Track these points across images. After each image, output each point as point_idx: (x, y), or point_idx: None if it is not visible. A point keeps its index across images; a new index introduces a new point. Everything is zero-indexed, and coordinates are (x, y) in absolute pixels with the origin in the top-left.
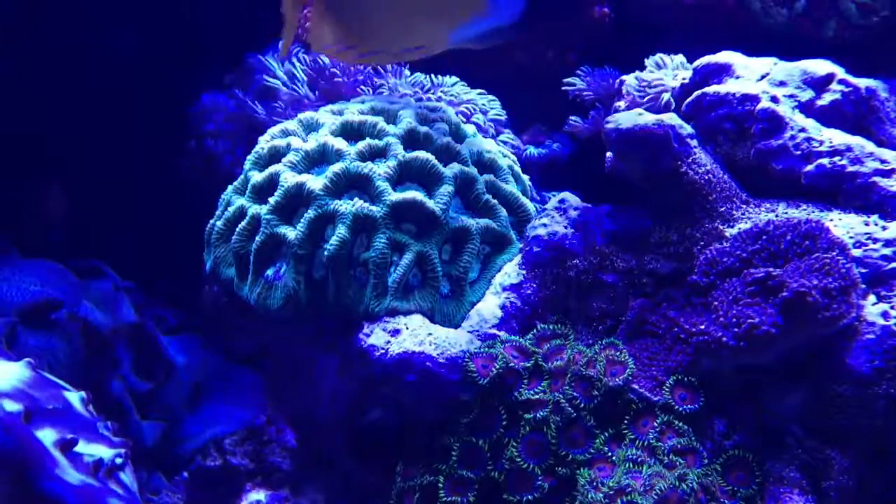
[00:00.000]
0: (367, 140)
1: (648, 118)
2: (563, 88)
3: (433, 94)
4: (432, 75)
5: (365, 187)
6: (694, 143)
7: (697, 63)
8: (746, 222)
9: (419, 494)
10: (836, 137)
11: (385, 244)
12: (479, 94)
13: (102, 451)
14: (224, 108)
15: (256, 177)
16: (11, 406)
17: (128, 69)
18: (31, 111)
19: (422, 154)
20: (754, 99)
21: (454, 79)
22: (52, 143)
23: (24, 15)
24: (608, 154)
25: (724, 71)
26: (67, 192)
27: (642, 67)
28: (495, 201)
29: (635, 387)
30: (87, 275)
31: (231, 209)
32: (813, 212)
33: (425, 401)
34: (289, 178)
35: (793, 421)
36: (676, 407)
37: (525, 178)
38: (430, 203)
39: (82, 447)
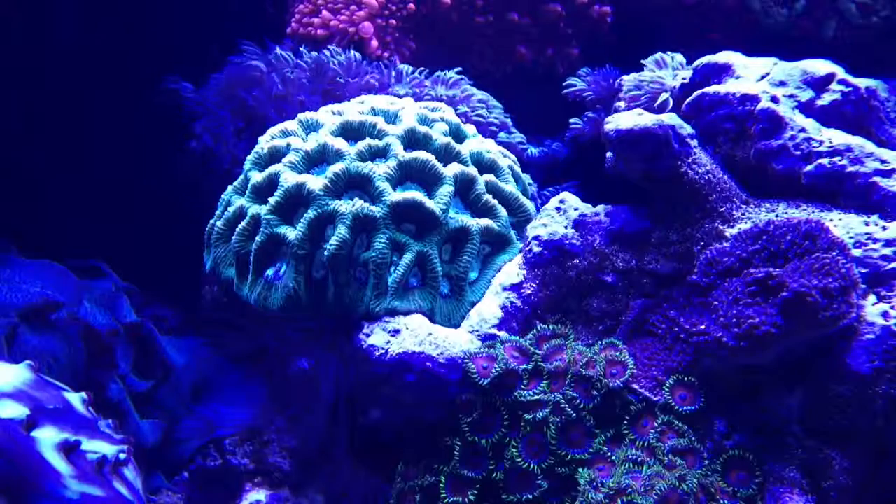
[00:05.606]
0: (367, 140)
1: (648, 118)
2: (565, 92)
3: (433, 92)
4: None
5: (365, 187)
6: (694, 143)
7: (697, 63)
8: (746, 222)
9: (420, 495)
10: (835, 137)
11: (385, 244)
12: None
13: (105, 448)
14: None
15: (256, 177)
16: (12, 411)
17: (128, 67)
18: (30, 111)
19: (422, 154)
20: (754, 99)
21: (457, 75)
22: (52, 142)
23: (25, 14)
24: (608, 154)
25: (724, 71)
26: (67, 191)
27: (642, 67)
28: (495, 201)
29: (635, 387)
30: (87, 275)
31: (231, 209)
32: (813, 212)
33: (425, 401)
34: (289, 178)
35: (793, 421)
36: (676, 407)
37: (525, 177)
38: (430, 203)
39: (85, 444)
